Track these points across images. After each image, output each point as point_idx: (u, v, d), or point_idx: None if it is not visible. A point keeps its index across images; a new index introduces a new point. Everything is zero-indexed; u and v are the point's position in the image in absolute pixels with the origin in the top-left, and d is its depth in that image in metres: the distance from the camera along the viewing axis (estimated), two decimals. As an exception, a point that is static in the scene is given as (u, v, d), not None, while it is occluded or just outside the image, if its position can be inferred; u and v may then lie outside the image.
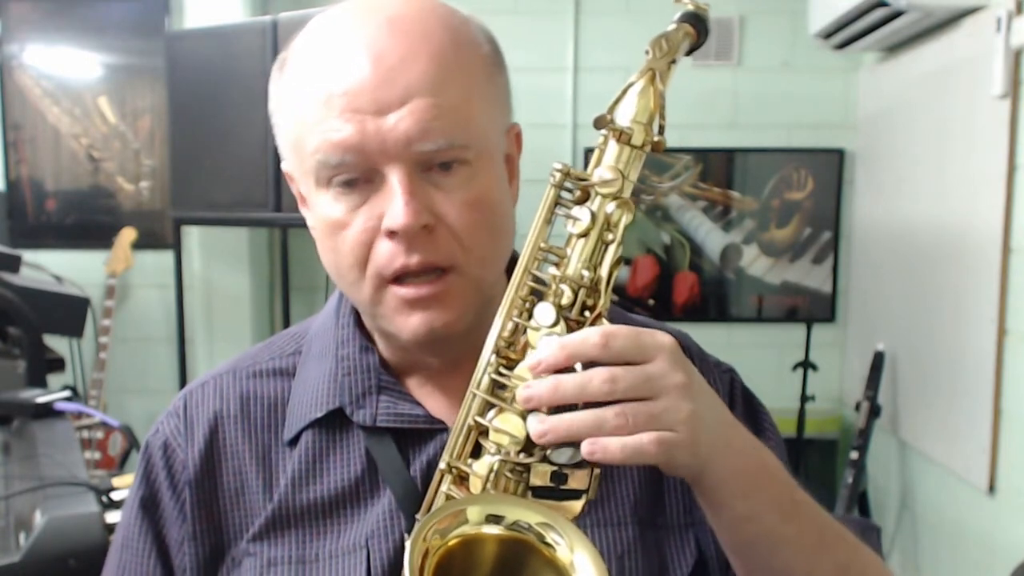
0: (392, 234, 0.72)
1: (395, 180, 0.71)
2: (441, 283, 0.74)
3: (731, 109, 3.86)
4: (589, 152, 4.24)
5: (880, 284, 3.57)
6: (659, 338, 0.66)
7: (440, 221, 0.73)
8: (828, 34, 3.31)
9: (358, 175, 0.73)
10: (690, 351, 0.88)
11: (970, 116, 2.77)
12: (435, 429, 0.79)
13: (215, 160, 2.94)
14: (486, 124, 0.76)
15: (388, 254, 0.73)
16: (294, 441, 0.82)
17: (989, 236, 2.65)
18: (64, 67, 3.89)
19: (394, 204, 0.71)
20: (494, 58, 0.78)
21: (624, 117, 0.71)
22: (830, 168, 3.88)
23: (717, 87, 3.84)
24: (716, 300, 3.98)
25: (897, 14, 2.86)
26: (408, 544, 0.62)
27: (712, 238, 3.93)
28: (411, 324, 0.75)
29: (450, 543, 0.63)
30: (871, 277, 3.68)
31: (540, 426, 0.65)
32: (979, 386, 2.70)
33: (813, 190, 3.89)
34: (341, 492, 0.80)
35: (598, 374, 0.64)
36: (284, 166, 0.82)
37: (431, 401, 0.82)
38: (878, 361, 3.33)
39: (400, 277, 0.74)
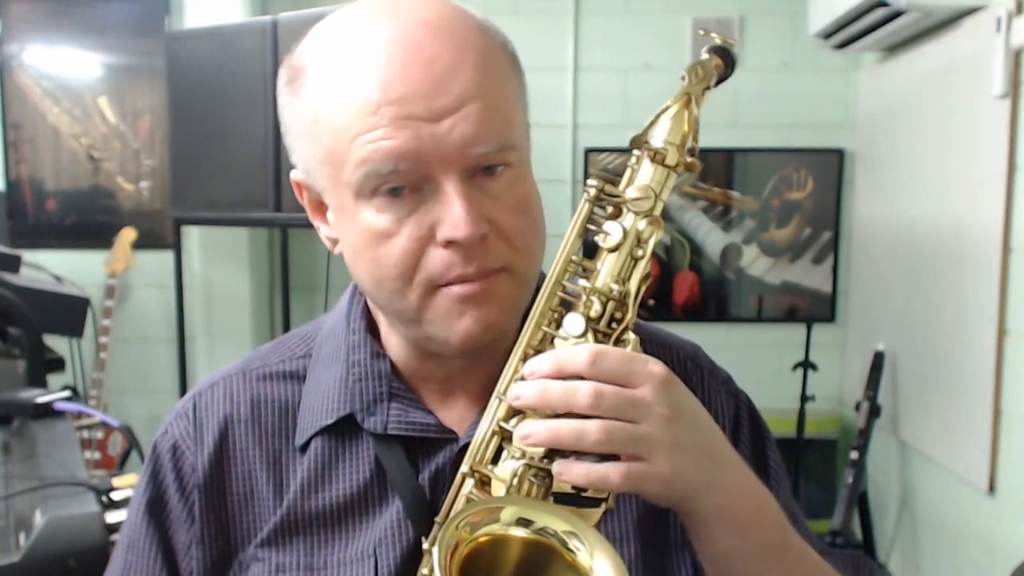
0: (449, 244, 0.71)
1: (451, 188, 0.70)
2: (490, 280, 0.73)
3: (731, 109, 3.86)
4: (589, 152, 4.24)
5: (880, 284, 3.57)
6: (651, 366, 0.67)
7: (492, 226, 0.72)
8: (828, 34, 3.31)
9: (406, 184, 0.71)
10: (701, 364, 0.88)
11: (970, 116, 2.77)
12: (445, 438, 0.79)
13: (215, 160, 2.94)
14: (521, 126, 0.77)
15: (444, 263, 0.71)
16: (304, 447, 0.81)
17: (989, 236, 2.65)
18: (64, 67, 3.89)
19: (453, 214, 0.69)
20: (516, 59, 0.79)
21: (658, 138, 0.74)
22: (830, 168, 3.88)
23: (717, 87, 3.83)
24: (716, 300, 3.98)
25: (897, 14, 2.86)
26: (441, 528, 0.64)
27: (712, 238, 3.93)
28: (464, 326, 0.73)
29: (478, 539, 0.64)
30: (871, 277, 3.68)
31: (526, 428, 0.66)
32: (979, 386, 2.70)
33: (813, 190, 3.90)
34: (350, 499, 0.80)
35: (585, 387, 0.65)
36: (297, 176, 0.79)
37: (442, 410, 0.81)
38: (878, 361, 3.33)
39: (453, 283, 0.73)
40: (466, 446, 0.76)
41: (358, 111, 0.70)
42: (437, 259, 0.71)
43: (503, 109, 0.73)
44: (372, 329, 0.84)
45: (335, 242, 0.79)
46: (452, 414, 0.81)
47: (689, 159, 0.73)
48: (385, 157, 0.69)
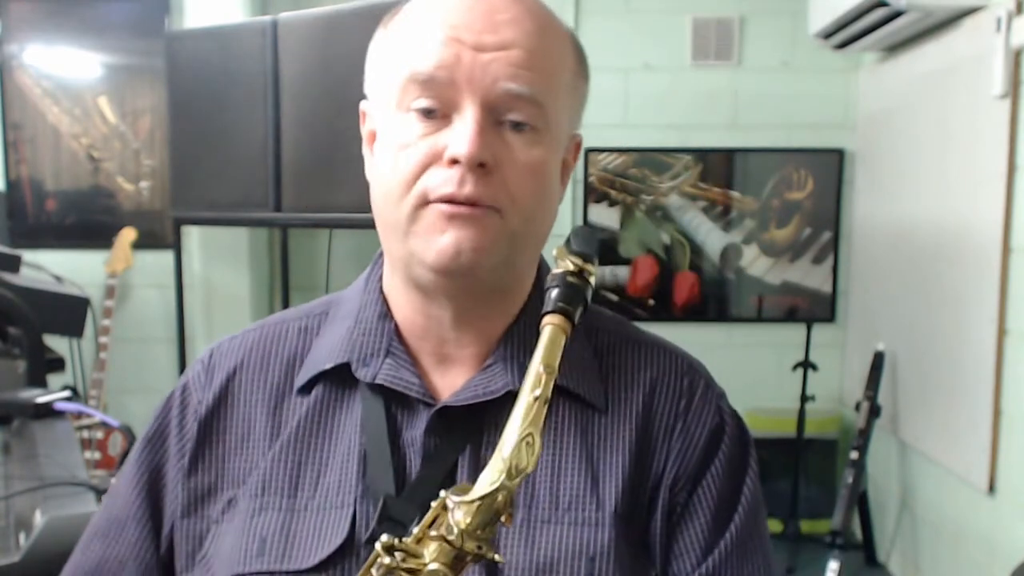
0: (453, 163, 0.75)
1: (470, 113, 0.75)
2: (480, 211, 0.76)
3: (731, 109, 3.87)
4: (589, 152, 4.23)
5: (880, 284, 3.57)
6: None
7: (498, 168, 0.76)
8: (828, 34, 3.31)
9: (439, 106, 0.76)
10: (699, 373, 0.88)
11: (970, 116, 2.77)
12: (426, 401, 0.81)
13: (215, 160, 2.94)
14: (561, 111, 0.81)
15: (441, 179, 0.76)
16: (303, 390, 0.85)
17: (989, 236, 2.65)
18: (64, 67, 3.89)
19: (462, 133, 0.75)
20: (581, 67, 0.85)
21: (461, 520, 0.66)
22: (830, 168, 3.88)
23: (717, 87, 3.84)
24: (716, 300, 3.98)
25: (897, 14, 2.86)
26: None
27: (712, 238, 3.93)
28: (440, 242, 0.76)
29: None
30: (871, 277, 3.68)
31: None
32: (979, 386, 2.70)
33: (813, 190, 3.90)
34: (336, 447, 0.82)
35: None
36: (364, 105, 0.86)
37: (436, 375, 0.84)
38: (878, 361, 3.33)
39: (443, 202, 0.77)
40: (444, 410, 0.80)
41: (420, 33, 0.78)
42: (435, 174, 0.76)
43: (546, 71, 0.78)
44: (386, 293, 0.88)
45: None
46: (445, 381, 0.84)
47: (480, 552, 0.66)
48: (427, 64, 0.76)
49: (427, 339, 0.84)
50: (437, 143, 0.76)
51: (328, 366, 0.84)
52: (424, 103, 0.76)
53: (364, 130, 0.86)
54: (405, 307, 0.85)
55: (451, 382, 0.83)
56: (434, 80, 0.76)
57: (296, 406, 0.85)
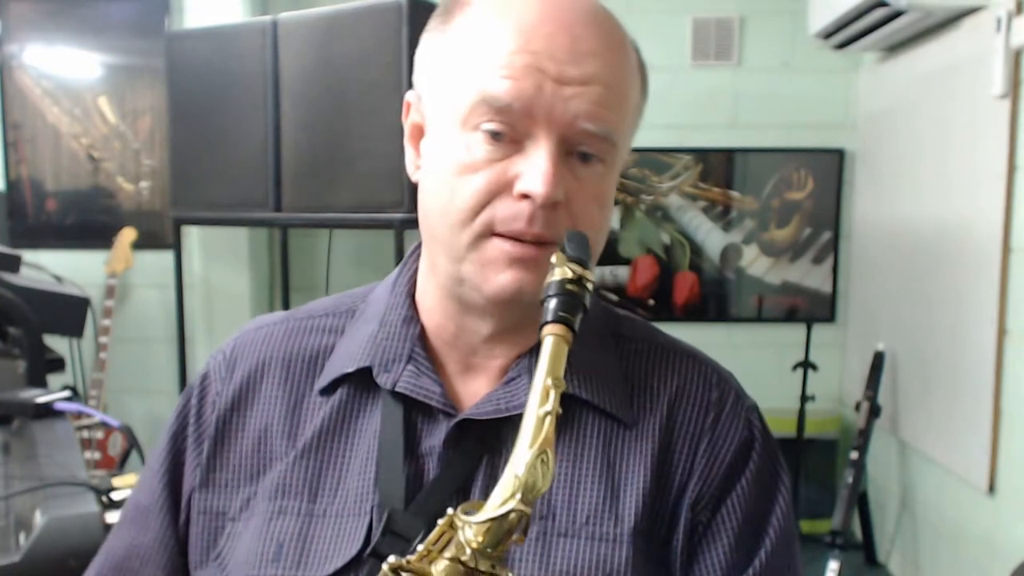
0: (524, 197, 0.74)
1: (545, 148, 0.74)
2: (545, 251, 0.75)
3: (731, 109, 3.87)
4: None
5: (880, 284, 3.57)
6: None
7: (567, 203, 0.75)
8: (828, 34, 3.31)
9: (509, 131, 0.74)
10: (729, 383, 0.86)
11: (970, 116, 2.77)
12: (446, 411, 0.80)
13: (215, 160, 2.94)
14: (627, 137, 0.81)
15: (511, 213, 0.74)
16: (324, 392, 0.84)
17: (989, 236, 2.65)
18: (64, 67, 3.89)
19: (536, 170, 0.73)
20: (643, 87, 0.83)
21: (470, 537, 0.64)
22: (830, 168, 3.88)
23: (717, 87, 3.84)
24: (716, 300, 3.98)
25: (897, 14, 2.86)
26: None
27: (712, 238, 3.93)
28: (502, 279, 0.76)
29: None
30: (871, 277, 3.68)
31: None
32: (979, 386, 2.70)
33: (813, 190, 3.90)
34: (356, 452, 0.81)
35: None
36: (410, 97, 0.84)
37: (460, 383, 0.83)
38: (878, 361, 3.33)
39: (506, 235, 0.76)
40: (464, 422, 0.79)
41: (498, 49, 0.75)
42: (504, 207, 0.75)
43: (622, 108, 0.77)
44: (412, 295, 0.86)
45: (417, 167, 0.83)
46: (468, 389, 0.82)
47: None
48: (504, 93, 0.73)
49: (456, 347, 0.83)
50: (506, 170, 0.74)
51: (350, 370, 0.83)
52: (494, 127, 0.74)
53: (407, 122, 0.84)
54: (438, 314, 0.83)
55: (474, 391, 0.82)
56: (510, 109, 0.73)
57: (317, 407, 0.84)
